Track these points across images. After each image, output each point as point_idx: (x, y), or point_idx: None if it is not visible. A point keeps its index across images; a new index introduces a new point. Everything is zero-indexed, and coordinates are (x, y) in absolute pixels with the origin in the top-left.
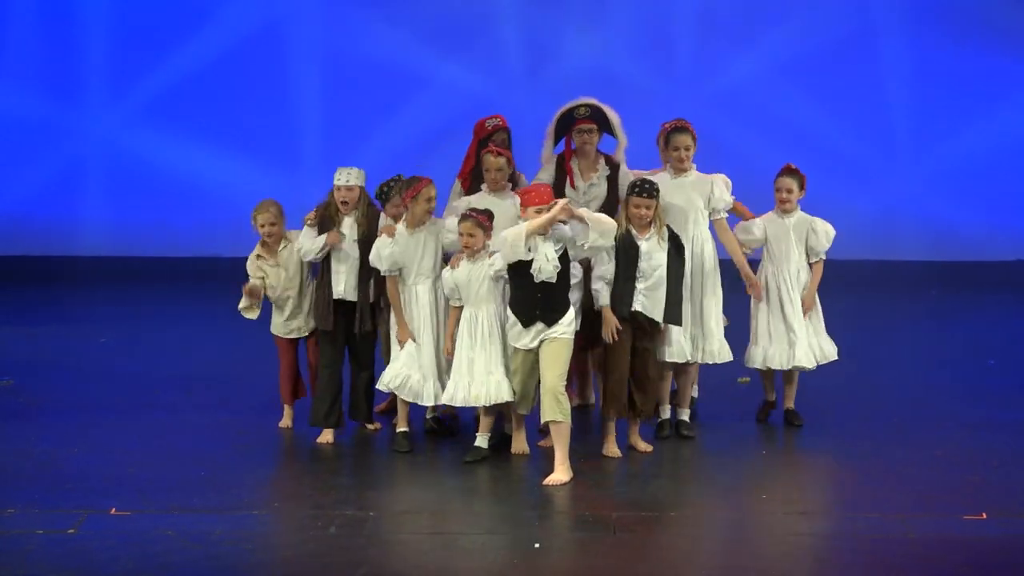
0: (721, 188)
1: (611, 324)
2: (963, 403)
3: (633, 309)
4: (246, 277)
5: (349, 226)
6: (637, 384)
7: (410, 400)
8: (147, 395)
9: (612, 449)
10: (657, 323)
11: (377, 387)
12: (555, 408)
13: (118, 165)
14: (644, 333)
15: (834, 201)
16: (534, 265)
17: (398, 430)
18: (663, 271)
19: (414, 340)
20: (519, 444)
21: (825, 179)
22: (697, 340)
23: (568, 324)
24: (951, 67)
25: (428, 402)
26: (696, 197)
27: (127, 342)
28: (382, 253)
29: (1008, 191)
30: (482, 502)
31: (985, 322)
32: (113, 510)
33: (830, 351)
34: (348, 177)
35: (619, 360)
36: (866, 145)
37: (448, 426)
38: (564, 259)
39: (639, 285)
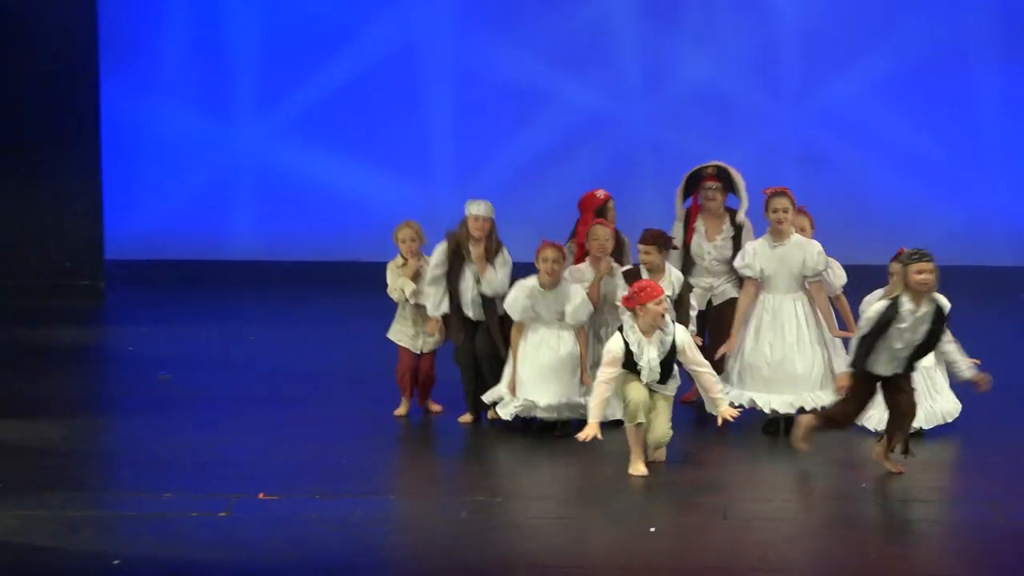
0: (820, 254)
1: None
2: None
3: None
4: (384, 283)
5: (477, 256)
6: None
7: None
8: (290, 389)
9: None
10: None
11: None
12: (659, 442)
13: (265, 176)
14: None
15: (926, 209)
16: (640, 367)
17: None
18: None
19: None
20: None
21: (918, 188)
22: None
23: (676, 382)
24: None
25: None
26: (796, 262)
27: (272, 340)
28: (516, 303)
29: None
30: (601, 489)
31: None
32: (261, 495)
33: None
34: (480, 209)
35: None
36: (957, 156)
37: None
38: (671, 355)
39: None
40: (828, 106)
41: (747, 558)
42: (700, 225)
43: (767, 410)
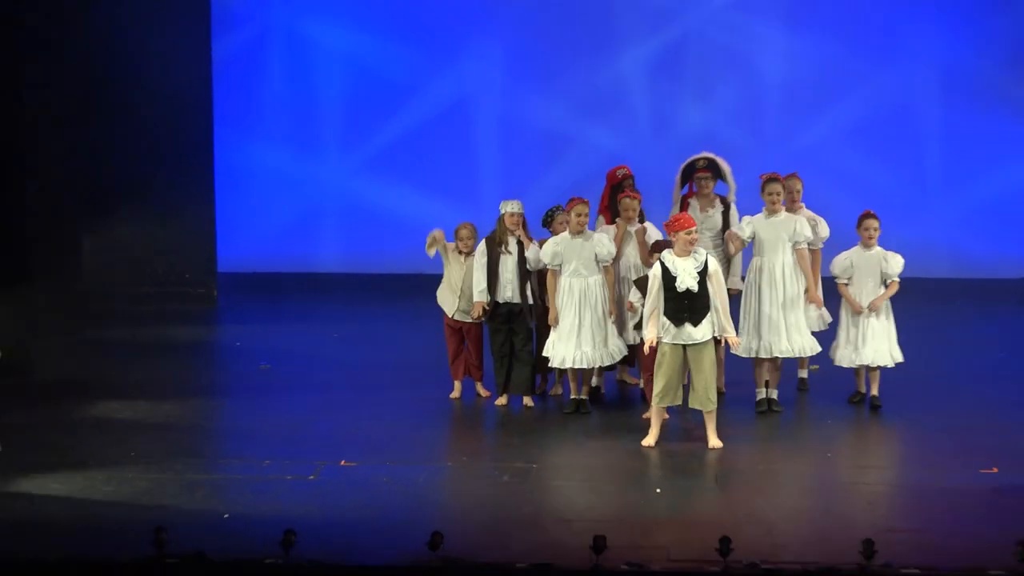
0: (803, 224)
1: None
2: (985, 386)
3: None
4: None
5: (514, 245)
6: None
7: (557, 365)
8: (365, 377)
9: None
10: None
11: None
12: (707, 401)
13: (346, 204)
14: None
15: (884, 234)
16: (678, 280)
17: (572, 396)
18: None
19: (556, 322)
20: (714, 439)
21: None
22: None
23: (708, 327)
24: (973, 129)
25: (560, 365)
26: (784, 231)
27: (351, 337)
28: (548, 251)
29: (1012, 223)
30: (616, 458)
31: (997, 324)
32: (343, 462)
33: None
34: (515, 207)
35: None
36: (905, 186)
37: (594, 401)
38: (703, 274)
39: None
40: (802, 147)
41: (734, 514)
42: (694, 203)
43: (768, 354)
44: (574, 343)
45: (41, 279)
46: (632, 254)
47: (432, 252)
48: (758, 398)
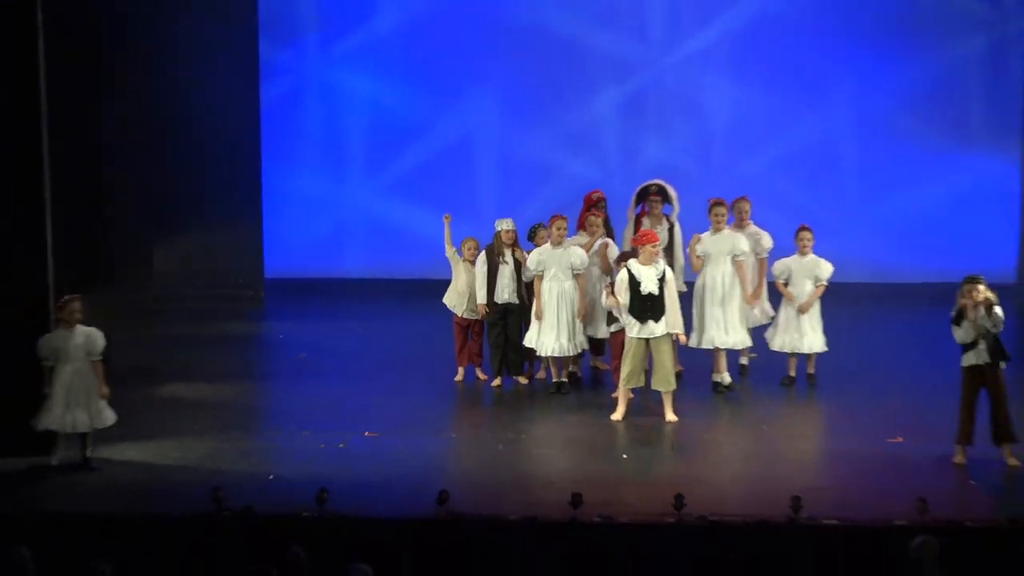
0: (742, 241)
1: None
2: (894, 372)
3: None
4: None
5: (509, 256)
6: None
7: (540, 353)
8: (385, 364)
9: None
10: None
11: (524, 343)
12: (666, 383)
13: (371, 223)
14: None
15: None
16: (642, 285)
17: (553, 379)
18: None
19: (540, 317)
20: (671, 414)
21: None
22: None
23: (667, 324)
24: (884, 159)
25: (542, 352)
26: (726, 246)
27: (374, 332)
28: (533, 259)
29: (917, 236)
30: (590, 430)
31: (905, 321)
32: (367, 433)
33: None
34: (508, 224)
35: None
36: (826, 206)
37: (572, 383)
38: (662, 280)
39: None
40: (744, 175)
41: (687, 476)
42: (646, 221)
43: (713, 346)
44: (554, 335)
45: (120, 282)
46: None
47: (450, 252)
48: (714, 380)
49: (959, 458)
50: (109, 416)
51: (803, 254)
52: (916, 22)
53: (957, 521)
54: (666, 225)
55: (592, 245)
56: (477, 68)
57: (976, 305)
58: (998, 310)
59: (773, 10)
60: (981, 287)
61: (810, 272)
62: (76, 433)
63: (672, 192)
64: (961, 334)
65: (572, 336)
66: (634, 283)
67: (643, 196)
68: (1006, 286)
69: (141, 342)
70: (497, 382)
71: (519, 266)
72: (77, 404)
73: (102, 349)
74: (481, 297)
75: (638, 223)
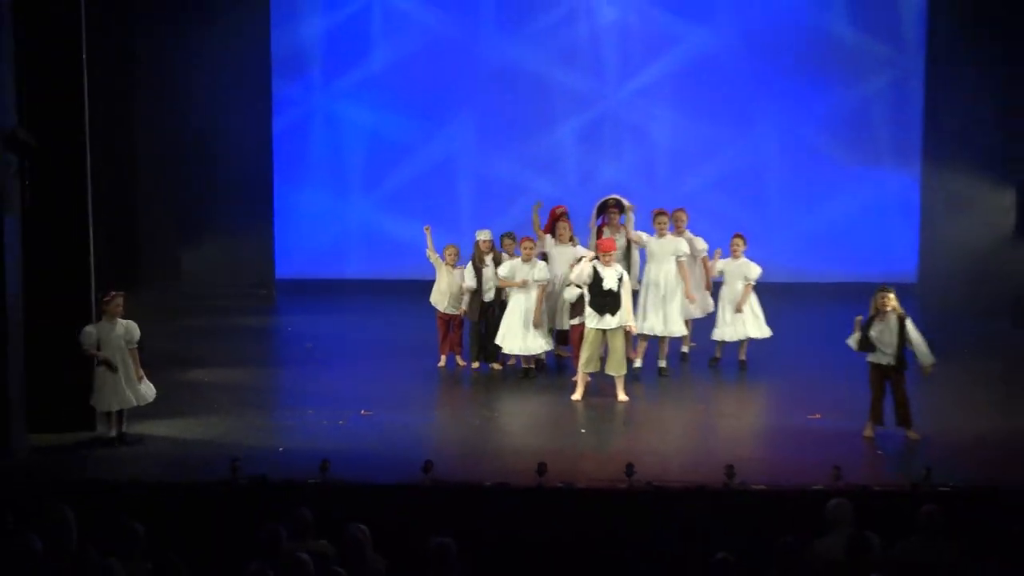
0: (682, 244)
1: None
2: (815, 358)
3: None
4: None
5: (490, 260)
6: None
7: (507, 351)
8: (379, 351)
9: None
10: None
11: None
12: (619, 368)
13: (368, 232)
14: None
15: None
16: (604, 282)
17: (523, 365)
18: None
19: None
20: (622, 394)
21: (728, 236)
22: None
23: (620, 317)
24: (805, 177)
25: (509, 352)
26: (669, 249)
27: (373, 325)
28: (505, 267)
29: (833, 243)
30: (556, 409)
31: (825, 315)
32: (363, 411)
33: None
34: (486, 235)
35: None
36: (758, 220)
37: (539, 369)
38: (620, 281)
39: None
40: (685, 192)
41: (638, 447)
42: (606, 230)
43: (654, 333)
44: (520, 336)
45: (149, 281)
46: (564, 267)
47: (433, 256)
48: (659, 365)
49: (868, 432)
50: (151, 392)
51: (735, 257)
52: (832, 60)
53: (867, 486)
54: (623, 233)
55: (569, 252)
56: (458, 100)
57: (886, 313)
58: (911, 328)
59: (710, 51)
60: (891, 295)
61: (741, 273)
62: (114, 411)
63: (628, 205)
64: (853, 342)
65: (534, 338)
66: (598, 279)
67: (603, 209)
68: (908, 286)
69: (169, 333)
70: (475, 365)
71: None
72: (129, 382)
73: (138, 339)
74: (465, 303)
75: (599, 232)
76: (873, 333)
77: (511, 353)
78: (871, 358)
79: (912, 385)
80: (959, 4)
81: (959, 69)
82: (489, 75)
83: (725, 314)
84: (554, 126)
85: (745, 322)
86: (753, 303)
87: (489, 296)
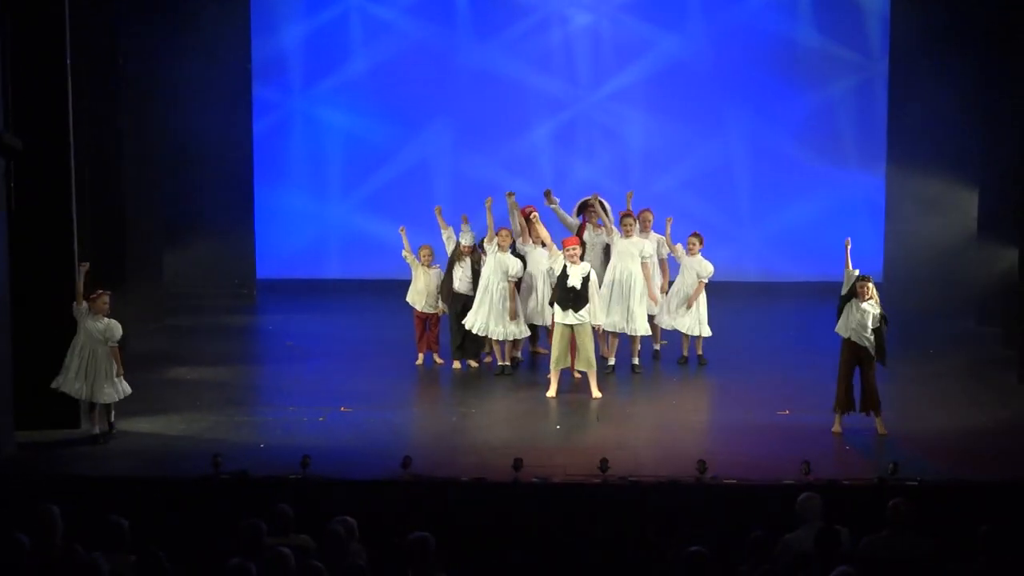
0: (648, 246)
1: None
2: (782, 355)
3: None
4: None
5: (466, 259)
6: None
7: (480, 333)
8: (359, 349)
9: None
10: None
11: (471, 328)
12: (588, 364)
13: (347, 232)
14: None
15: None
16: (569, 280)
17: (499, 363)
18: None
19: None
20: (596, 391)
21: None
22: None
23: (586, 314)
24: (771, 181)
25: (483, 333)
26: (635, 249)
27: (352, 323)
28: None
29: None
30: (531, 405)
31: (791, 312)
32: (342, 408)
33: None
34: (468, 239)
35: None
36: (727, 221)
37: (515, 366)
38: (586, 279)
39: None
40: (655, 192)
41: (610, 443)
42: (589, 227)
43: (615, 329)
44: (501, 324)
45: (134, 281)
46: (538, 266)
47: (409, 257)
48: (632, 363)
49: (836, 428)
50: (126, 389)
51: (691, 255)
52: (800, 65)
53: (836, 480)
54: (602, 231)
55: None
56: (434, 103)
57: (867, 295)
58: (883, 331)
59: (681, 56)
60: (870, 284)
61: (695, 269)
62: (102, 405)
63: (607, 205)
64: (842, 323)
65: (505, 325)
66: (563, 276)
67: (583, 207)
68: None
69: (151, 332)
70: (456, 365)
71: (475, 267)
72: (96, 378)
73: (119, 337)
74: (440, 301)
75: (581, 230)
76: (857, 314)
77: (495, 339)
78: (849, 335)
79: (880, 382)
80: (921, 11)
81: (921, 73)
82: (465, 79)
83: (671, 303)
84: (529, 129)
85: (687, 316)
86: (700, 301)
87: (463, 290)
